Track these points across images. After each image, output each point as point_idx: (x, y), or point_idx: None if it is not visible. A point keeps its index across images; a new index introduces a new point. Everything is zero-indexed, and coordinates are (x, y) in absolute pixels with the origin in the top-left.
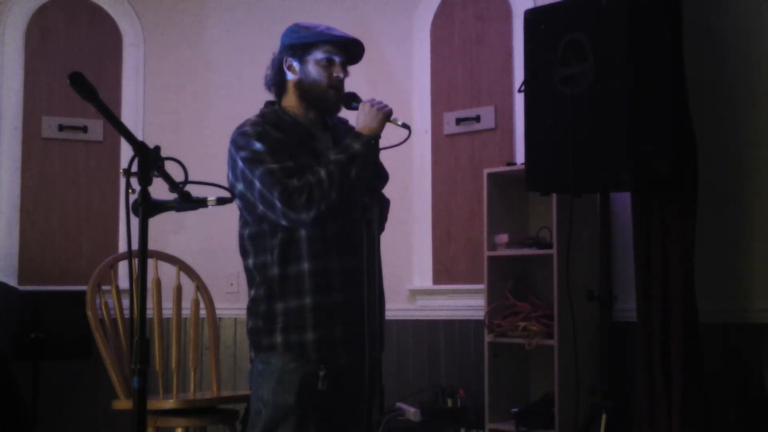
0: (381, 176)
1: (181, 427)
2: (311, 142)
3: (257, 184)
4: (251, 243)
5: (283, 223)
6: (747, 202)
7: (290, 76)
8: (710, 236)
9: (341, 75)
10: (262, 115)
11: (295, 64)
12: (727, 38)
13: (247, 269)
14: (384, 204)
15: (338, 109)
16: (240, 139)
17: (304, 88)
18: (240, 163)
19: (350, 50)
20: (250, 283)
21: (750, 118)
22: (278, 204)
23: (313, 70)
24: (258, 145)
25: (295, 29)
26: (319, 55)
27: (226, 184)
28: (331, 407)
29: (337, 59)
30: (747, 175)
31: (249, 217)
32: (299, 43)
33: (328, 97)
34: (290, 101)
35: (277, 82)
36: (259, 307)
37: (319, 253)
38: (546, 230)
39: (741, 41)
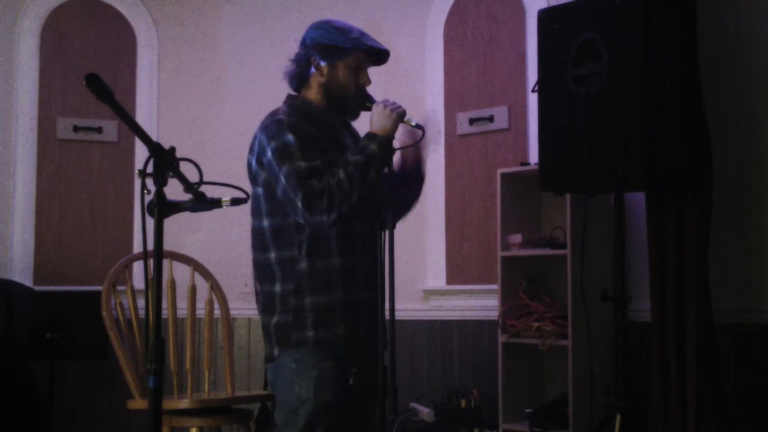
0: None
1: (195, 427)
2: (339, 134)
3: (282, 180)
4: (274, 237)
5: (302, 222)
6: (762, 201)
7: (315, 76)
8: (725, 236)
9: (367, 83)
10: (292, 107)
11: (324, 65)
12: (742, 36)
13: (264, 263)
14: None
15: (357, 115)
16: (273, 127)
17: (330, 90)
18: (269, 153)
19: (377, 59)
20: (266, 277)
21: (765, 117)
22: (300, 206)
23: (342, 75)
24: (290, 137)
25: (327, 28)
26: (351, 61)
27: (240, 184)
28: (356, 403)
29: (365, 67)
30: (762, 174)
31: (268, 206)
32: (332, 45)
33: (352, 103)
34: (313, 96)
35: (299, 76)
36: (288, 302)
37: (347, 249)
38: (560, 230)
39: (756, 39)
